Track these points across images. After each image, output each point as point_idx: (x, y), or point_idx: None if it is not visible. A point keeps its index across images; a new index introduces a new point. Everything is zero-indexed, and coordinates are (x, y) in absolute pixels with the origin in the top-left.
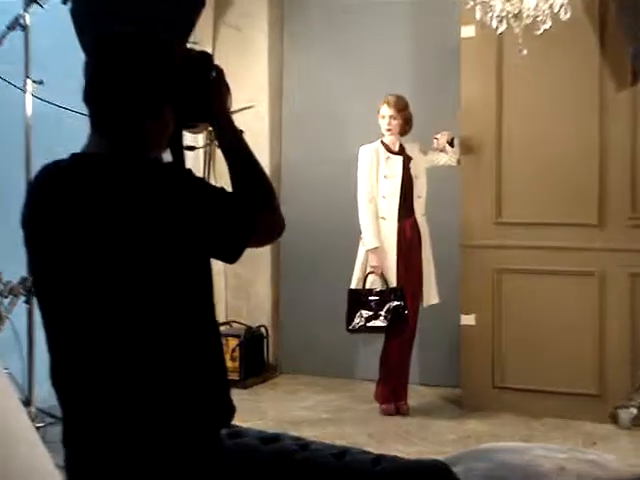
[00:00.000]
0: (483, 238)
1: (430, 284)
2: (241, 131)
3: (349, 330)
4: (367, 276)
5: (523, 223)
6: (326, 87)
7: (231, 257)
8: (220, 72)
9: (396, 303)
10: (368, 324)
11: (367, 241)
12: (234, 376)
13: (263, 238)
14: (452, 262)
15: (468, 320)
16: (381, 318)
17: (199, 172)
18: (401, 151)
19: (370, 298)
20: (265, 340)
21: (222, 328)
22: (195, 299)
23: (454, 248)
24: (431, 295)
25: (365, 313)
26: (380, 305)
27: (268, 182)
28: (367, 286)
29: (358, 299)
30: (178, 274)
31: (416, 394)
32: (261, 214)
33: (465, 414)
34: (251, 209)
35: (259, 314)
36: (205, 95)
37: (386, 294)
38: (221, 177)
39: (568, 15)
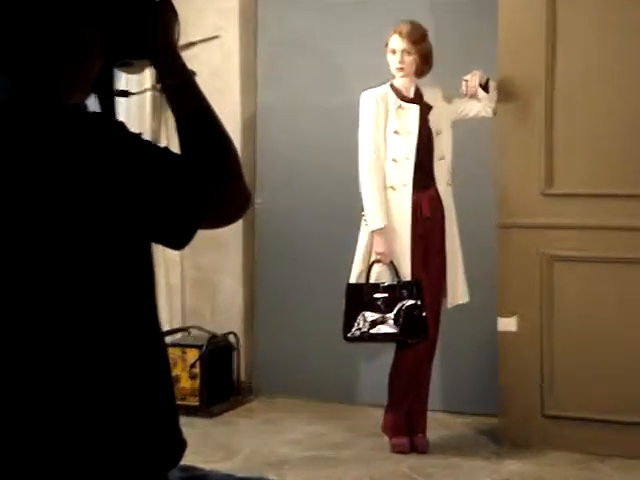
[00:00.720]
0: (528, 215)
1: (456, 277)
2: (192, 72)
3: (347, 338)
4: (372, 266)
5: (582, 195)
6: (317, 12)
7: (177, 242)
8: None
9: (410, 302)
10: (373, 330)
11: (371, 219)
12: (193, 401)
13: (221, 217)
14: (486, 247)
15: (508, 325)
16: (390, 322)
17: (145, 128)
18: (418, 98)
19: (376, 296)
20: (235, 352)
21: (178, 336)
22: (128, 297)
23: (489, 228)
24: (458, 292)
25: (369, 316)
26: (389, 305)
27: (227, 142)
28: (372, 280)
29: (360, 297)
30: (103, 262)
31: (438, 425)
32: (218, 185)
33: (504, 451)
34: (204, 178)
35: (227, 317)
36: (144, 22)
37: (397, 290)
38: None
39: None
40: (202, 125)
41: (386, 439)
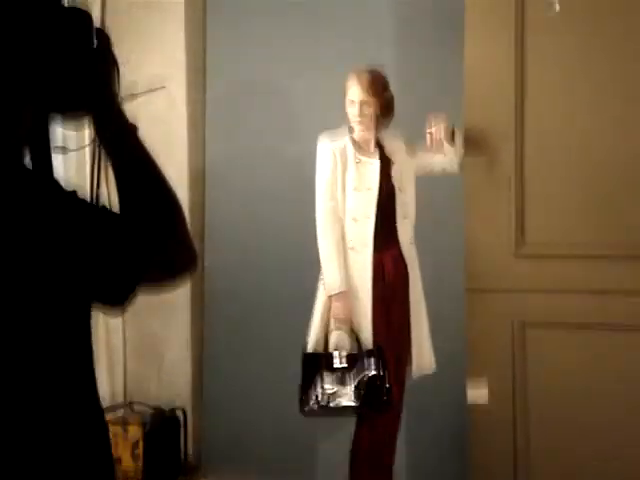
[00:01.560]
0: (498, 277)
1: (422, 344)
2: (133, 127)
3: (303, 412)
4: (330, 333)
5: (556, 255)
6: (268, 58)
7: (115, 305)
8: (104, 39)
9: (373, 372)
10: (331, 403)
11: (329, 282)
12: None
13: (164, 278)
14: (454, 312)
15: (478, 396)
16: (351, 394)
17: (84, 185)
18: (378, 152)
19: (335, 365)
20: (183, 429)
21: (119, 412)
22: (64, 364)
23: (456, 292)
24: (424, 360)
25: (328, 387)
26: (349, 375)
27: (171, 198)
28: (330, 348)
29: (317, 367)
30: (37, 326)
31: None
32: (159, 244)
33: None
34: (142, 236)
35: (174, 390)
36: (83, 73)
37: (358, 358)
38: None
39: None
40: (143, 181)
41: None
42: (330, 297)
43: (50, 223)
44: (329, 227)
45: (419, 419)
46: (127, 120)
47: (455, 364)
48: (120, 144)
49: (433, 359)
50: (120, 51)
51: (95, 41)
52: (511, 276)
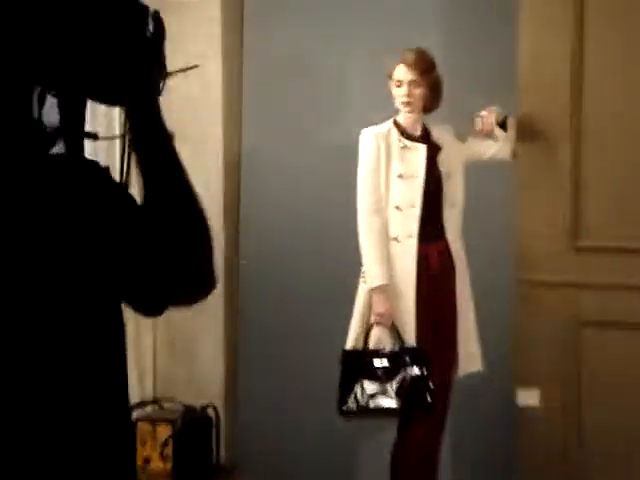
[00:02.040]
0: (553, 271)
1: (469, 342)
2: (170, 134)
3: (342, 413)
4: (370, 329)
5: (615, 249)
6: (309, 37)
7: (145, 314)
8: (160, 26)
9: (415, 371)
10: (372, 404)
11: (370, 275)
12: None
13: (182, 298)
14: (503, 308)
15: (529, 398)
16: (392, 394)
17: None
18: (425, 137)
19: (375, 364)
20: (214, 428)
21: (148, 409)
22: (95, 360)
23: (507, 286)
24: (471, 358)
25: (368, 386)
26: (390, 374)
27: (201, 222)
28: (371, 345)
29: (357, 365)
30: (71, 317)
31: None
32: (185, 261)
33: None
34: (182, 249)
35: (206, 387)
36: (131, 61)
37: (399, 357)
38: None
39: None
40: (172, 201)
41: None
42: (371, 291)
43: (105, 214)
44: (370, 217)
45: (465, 421)
46: (165, 127)
47: (504, 363)
48: (153, 148)
49: (480, 357)
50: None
51: (150, 28)
52: (566, 270)
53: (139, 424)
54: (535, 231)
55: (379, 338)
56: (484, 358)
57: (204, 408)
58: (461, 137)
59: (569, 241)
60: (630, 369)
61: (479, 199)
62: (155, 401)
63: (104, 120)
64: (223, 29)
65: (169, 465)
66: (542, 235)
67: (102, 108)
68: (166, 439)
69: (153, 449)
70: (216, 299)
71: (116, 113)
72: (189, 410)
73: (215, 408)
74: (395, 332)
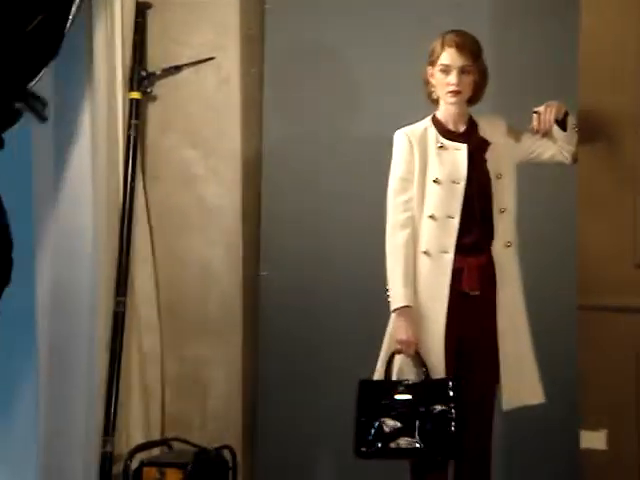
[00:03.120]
0: (619, 294)
1: (522, 370)
2: None
3: (359, 453)
4: (392, 358)
5: None
6: (336, 25)
7: None
8: None
9: (441, 407)
10: (392, 443)
11: (392, 295)
12: None
13: None
14: (563, 334)
15: (594, 441)
16: (414, 433)
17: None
18: (470, 133)
19: (397, 397)
20: (231, 472)
21: (156, 452)
22: None
23: (567, 309)
24: (526, 389)
25: (390, 424)
26: (414, 410)
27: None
28: (394, 376)
29: (375, 398)
30: None
31: None
32: None
33: None
34: None
35: (221, 427)
36: None
37: (424, 390)
38: None
39: None
40: None
41: None
42: (394, 313)
43: None
44: (396, 230)
45: (520, 465)
46: None
47: (565, 398)
48: None
49: (540, 388)
50: (162, 14)
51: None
52: (635, 292)
53: (145, 469)
54: (597, 246)
55: (401, 368)
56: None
57: (219, 450)
58: (515, 134)
59: (637, 258)
60: None
61: (536, 206)
62: (163, 442)
63: None
64: (242, 15)
65: None
66: (605, 251)
67: None
68: None
69: None
70: (233, 322)
71: None
72: (202, 452)
73: (232, 449)
74: (419, 361)
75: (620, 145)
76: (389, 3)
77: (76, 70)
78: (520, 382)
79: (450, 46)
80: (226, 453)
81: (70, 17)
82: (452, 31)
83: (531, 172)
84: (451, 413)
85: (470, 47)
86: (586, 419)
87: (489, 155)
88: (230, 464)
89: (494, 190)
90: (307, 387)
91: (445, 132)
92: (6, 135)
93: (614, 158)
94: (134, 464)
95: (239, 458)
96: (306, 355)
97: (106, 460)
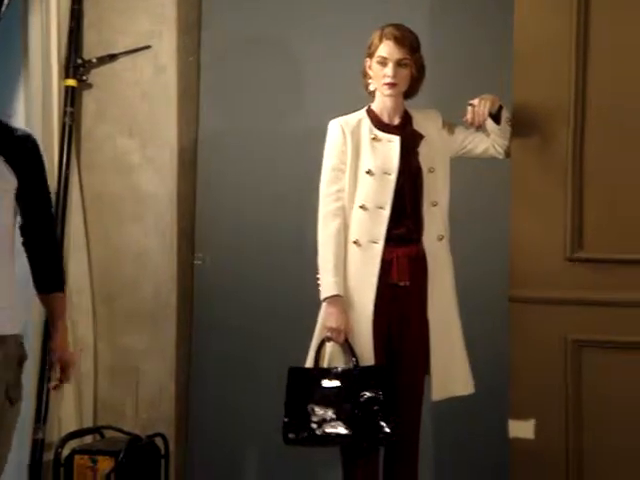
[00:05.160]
0: (550, 287)
1: (452, 361)
2: None
3: (287, 439)
4: (322, 345)
5: (620, 261)
6: (274, 12)
7: None
8: None
9: (369, 394)
10: (318, 430)
11: (322, 284)
12: None
13: None
14: (496, 328)
15: (522, 430)
16: (343, 420)
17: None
18: (403, 126)
19: (326, 384)
20: (163, 460)
21: (88, 439)
22: None
23: (498, 301)
24: (455, 380)
25: (318, 411)
26: (343, 397)
27: None
28: (325, 364)
29: (305, 386)
30: None
31: None
32: None
33: None
34: None
35: (154, 416)
36: None
37: (352, 378)
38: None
39: None
40: None
41: None
42: (324, 302)
43: None
44: (326, 220)
45: (451, 451)
46: None
47: (496, 391)
48: None
49: (470, 379)
50: (98, 2)
51: None
52: (565, 284)
53: (76, 457)
54: (529, 240)
55: (332, 356)
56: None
57: (152, 438)
58: (449, 127)
59: (568, 252)
60: (635, 392)
61: (469, 200)
62: (96, 430)
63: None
64: (179, 3)
65: None
66: (537, 244)
67: None
68: (108, 473)
69: None
70: (167, 309)
71: None
72: (134, 439)
73: (164, 437)
74: (349, 349)
75: (553, 140)
76: None
77: (11, 56)
78: (450, 373)
79: (388, 39)
80: (159, 441)
81: (5, 2)
82: (391, 24)
83: (466, 167)
84: (379, 400)
85: (408, 41)
86: (515, 409)
87: (422, 148)
88: (162, 452)
89: (426, 183)
90: (240, 375)
91: (379, 124)
92: None
93: (547, 153)
94: (65, 452)
95: (172, 446)
96: (240, 342)
97: (37, 447)
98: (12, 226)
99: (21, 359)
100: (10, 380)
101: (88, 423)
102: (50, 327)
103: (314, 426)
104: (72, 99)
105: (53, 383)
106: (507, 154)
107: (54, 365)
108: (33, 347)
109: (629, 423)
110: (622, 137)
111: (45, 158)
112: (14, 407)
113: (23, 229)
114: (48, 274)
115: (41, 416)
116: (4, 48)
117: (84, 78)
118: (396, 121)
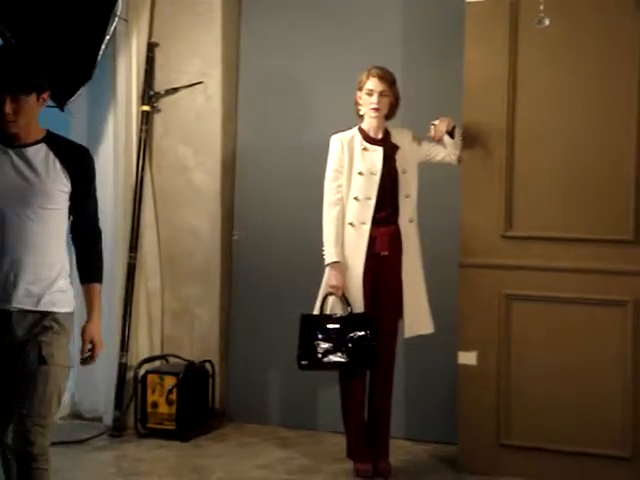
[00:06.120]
0: (489, 255)
1: (419, 309)
2: None
3: (300, 366)
4: (326, 299)
5: (540, 238)
6: (290, 60)
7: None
8: None
9: (361, 334)
10: (324, 359)
11: (326, 254)
12: (170, 425)
13: None
14: (450, 285)
15: (468, 359)
16: (341, 352)
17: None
18: (384, 140)
19: (329, 326)
20: (211, 379)
21: (157, 363)
22: None
23: (453, 268)
24: (420, 322)
25: (322, 345)
26: (341, 335)
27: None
28: (327, 311)
29: (312, 327)
30: None
31: (401, 451)
32: None
33: (463, 478)
34: None
35: (204, 347)
36: None
37: (349, 322)
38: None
39: None
40: None
41: (351, 464)
42: (326, 267)
43: None
44: (330, 207)
45: (417, 376)
46: None
47: (450, 330)
48: None
49: (431, 322)
50: (165, 51)
51: None
52: (499, 255)
53: (149, 376)
54: (474, 222)
55: (333, 305)
56: (436, 325)
57: (203, 363)
58: (417, 140)
59: (501, 231)
60: (550, 334)
61: (432, 195)
62: (162, 357)
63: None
64: (223, 51)
65: (174, 409)
66: (479, 226)
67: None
68: (171, 388)
69: (161, 396)
70: (214, 272)
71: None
72: (190, 365)
73: (212, 363)
74: (345, 301)
75: (493, 151)
76: (340, 43)
77: (103, 90)
78: (417, 317)
79: (374, 76)
80: (208, 365)
81: (100, 52)
82: (375, 66)
83: (430, 170)
84: (368, 337)
85: (388, 77)
86: (462, 343)
87: (398, 156)
88: (210, 373)
89: (401, 181)
90: (267, 319)
91: (367, 138)
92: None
93: (488, 160)
94: (141, 372)
95: (217, 369)
96: (266, 295)
97: (121, 369)
98: (67, 221)
99: (66, 332)
100: (46, 341)
101: (157, 351)
102: (87, 314)
103: (320, 356)
104: (146, 120)
105: (84, 357)
106: (459, 161)
107: (85, 345)
108: (115, 297)
109: (543, 352)
110: (540, 149)
111: (124, 164)
112: (48, 367)
113: (72, 226)
114: (87, 266)
115: (124, 346)
116: (99, 84)
117: (155, 105)
118: (379, 136)
